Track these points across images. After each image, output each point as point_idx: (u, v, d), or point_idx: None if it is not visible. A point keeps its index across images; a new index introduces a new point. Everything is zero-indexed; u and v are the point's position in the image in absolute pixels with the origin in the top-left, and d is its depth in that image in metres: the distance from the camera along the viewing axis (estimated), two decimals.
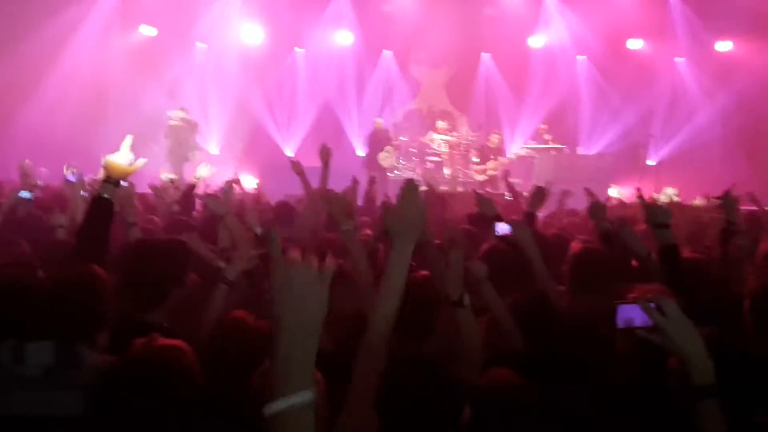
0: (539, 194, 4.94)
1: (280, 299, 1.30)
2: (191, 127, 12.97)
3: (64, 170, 5.10)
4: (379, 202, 8.30)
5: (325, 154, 5.37)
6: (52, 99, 12.35)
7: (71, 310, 2.06)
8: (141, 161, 3.07)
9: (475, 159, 13.92)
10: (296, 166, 6.33)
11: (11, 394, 1.86)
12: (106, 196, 2.88)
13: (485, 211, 4.43)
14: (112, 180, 2.92)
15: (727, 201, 4.09)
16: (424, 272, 2.92)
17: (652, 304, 1.79)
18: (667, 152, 14.69)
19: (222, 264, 2.98)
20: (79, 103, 12.64)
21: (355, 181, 6.62)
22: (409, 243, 2.05)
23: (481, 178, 13.37)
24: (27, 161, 5.70)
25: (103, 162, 2.98)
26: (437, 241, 3.07)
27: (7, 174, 9.04)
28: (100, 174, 6.20)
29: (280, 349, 1.29)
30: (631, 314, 1.87)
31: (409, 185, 2.13)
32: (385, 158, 13.43)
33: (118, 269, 2.60)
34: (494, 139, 13.66)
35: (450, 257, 2.49)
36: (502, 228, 3.69)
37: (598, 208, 4.22)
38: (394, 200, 5.71)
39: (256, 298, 3.06)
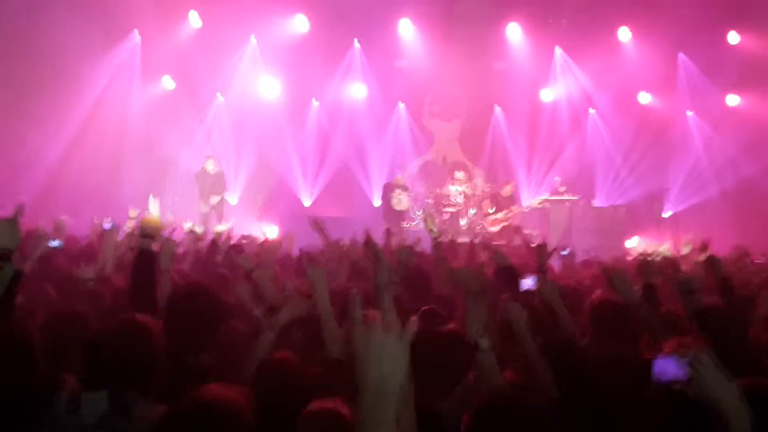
0: (541, 252, 4.89)
1: (362, 361, 1.34)
2: (219, 176, 13.31)
3: (94, 220, 5.21)
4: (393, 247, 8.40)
5: (315, 225, 6.43)
6: (74, 149, 12.66)
7: (128, 359, 2.08)
8: (170, 216, 3.37)
9: (489, 210, 13.92)
10: (314, 223, 6.52)
11: None
12: (144, 248, 3.15)
13: (498, 262, 4.54)
14: (149, 235, 3.22)
15: (711, 261, 4.15)
16: (452, 327, 2.97)
17: (687, 358, 1.81)
18: (683, 204, 14.76)
19: (257, 313, 3.06)
20: (101, 151, 12.94)
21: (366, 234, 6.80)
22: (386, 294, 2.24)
23: (494, 229, 13.38)
24: (64, 217, 5.83)
25: (132, 215, 3.21)
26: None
27: (34, 221, 9.19)
28: (127, 225, 6.34)
29: (363, 408, 1.33)
30: (667, 367, 1.89)
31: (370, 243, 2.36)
32: (398, 201, 13.51)
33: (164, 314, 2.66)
34: (507, 189, 13.75)
35: (472, 300, 2.54)
36: (527, 283, 3.76)
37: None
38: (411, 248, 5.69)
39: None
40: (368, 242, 2.67)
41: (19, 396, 2.11)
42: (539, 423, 1.93)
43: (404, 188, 13.75)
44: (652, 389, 2.06)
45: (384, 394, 1.32)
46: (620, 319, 3.50)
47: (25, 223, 7.76)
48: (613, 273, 3.56)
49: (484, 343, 2.45)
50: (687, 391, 1.80)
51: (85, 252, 5.35)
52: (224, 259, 5.70)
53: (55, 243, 4.80)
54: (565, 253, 7.74)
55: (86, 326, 2.87)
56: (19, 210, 2.13)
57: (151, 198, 3.06)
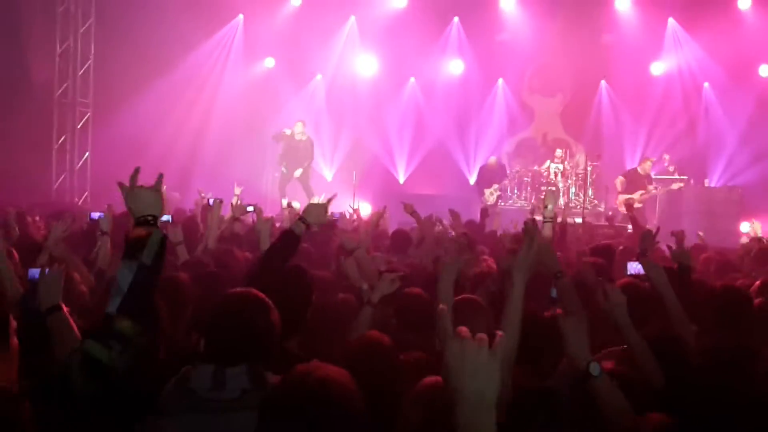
0: (646, 237, 4.55)
1: (456, 375, 1.38)
2: (306, 144, 13.02)
3: (201, 193, 5.41)
4: (488, 229, 8.26)
5: (408, 208, 6.63)
6: (183, 127, 13.31)
7: (259, 335, 2.13)
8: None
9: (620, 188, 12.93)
10: (408, 208, 6.58)
11: (211, 418, 1.96)
12: (296, 232, 3.17)
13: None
14: (306, 221, 3.21)
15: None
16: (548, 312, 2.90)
17: None
18: None
19: (365, 286, 3.12)
20: (207, 131, 13.53)
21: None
22: (524, 278, 2.32)
23: (622, 209, 12.13)
24: (175, 193, 6.03)
25: (237, 191, 3.26)
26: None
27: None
28: (233, 200, 6.57)
29: (461, 421, 1.37)
30: None
31: (529, 226, 2.46)
32: (489, 195, 13.34)
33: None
34: (646, 165, 12.85)
35: (566, 324, 2.33)
36: (634, 267, 3.59)
37: None
38: (510, 229, 5.64)
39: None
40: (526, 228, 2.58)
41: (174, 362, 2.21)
42: None
43: (498, 181, 13.57)
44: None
45: (482, 407, 1.36)
46: (742, 310, 3.27)
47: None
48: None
49: (595, 369, 2.24)
50: None
51: (187, 224, 5.58)
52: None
53: (165, 217, 5.01)
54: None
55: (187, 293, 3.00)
56: (160, 179, 2.21)
57: (324, 197, 3.15)
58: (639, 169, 12.90)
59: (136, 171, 2.15)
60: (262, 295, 2.21)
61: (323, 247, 5.71)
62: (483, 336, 1.38)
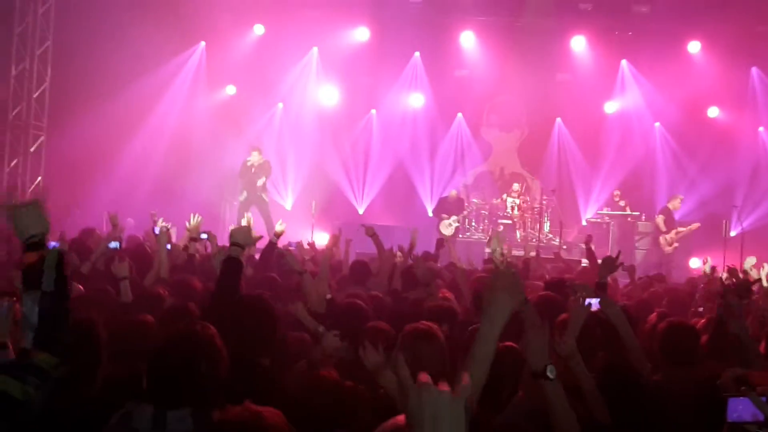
0: (608, 263, 4.75)
1: (417, 424, 1.31)
2: (265, 167, 13.00)
3: (153, 218, 5.32)
4: (444, 261, 8.30)
5: (369, 230, 6.77)
6: (141, 151, 13.12)
7: (202, 377, 2.05)
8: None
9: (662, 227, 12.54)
10: (369, 230, 6.58)
11: None
12: (234, 255, 3.24)
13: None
14: (238, 243, 3.30)
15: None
16: (508, 343, 2.90)
17: (764, 398, 1.69)
18: (751, 223, 14.10)
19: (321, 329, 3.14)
20: (165, 156, 13.36)
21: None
22: (503, 312, 2.10)
23: (669, 250, 12.16)
24: (129, 219, 5.97)
25: (189, 226, 3.23)
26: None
27: (98, 222, 9.53)
28: (186, 236, 6.48)
29: None
30: (741, 407, 1.76)
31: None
32: (446, 226, 13.44)
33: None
34: (676, 202, 12.59)
35: (528, 327, 2.43)
36: (589, 303, 3.63)
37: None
38: (463, 263, 5.67)
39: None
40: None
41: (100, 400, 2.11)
42: None
43: (456, 214, 13.62)
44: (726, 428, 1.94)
45: None
46: (690, 345, 3.35)
47: (88, 224, 8.02)
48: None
49: (552, 371, 2.31)
50: None
51: (138, 251, 5.47)
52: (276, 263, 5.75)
53: (113, 244, 4.91)
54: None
55: (149, 333, 2.94)
56: (42, 197, 2.08)
57: (246, 217, 3.18)
58: (669, 206, 12.62)
59: (13, 188, 2.03)
60: (209, 334, 2.14)
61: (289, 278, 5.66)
62: (444, 386, 1.33)
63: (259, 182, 12.81)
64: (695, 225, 12.40)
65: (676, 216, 12.84)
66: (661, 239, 12.29)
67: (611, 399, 2.63)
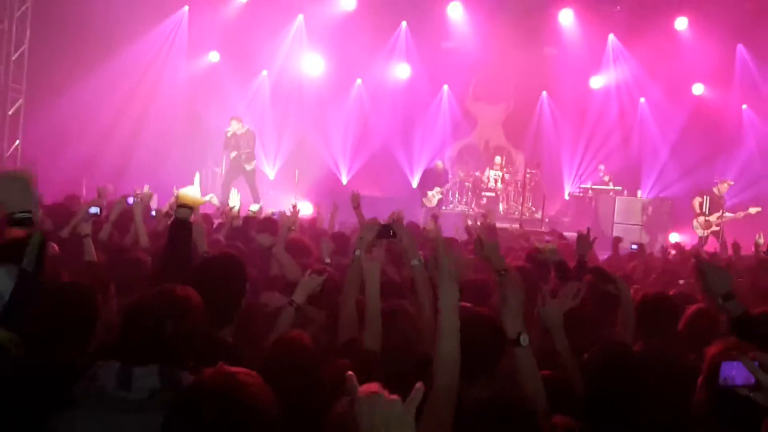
0: (583, 240, 4.79)
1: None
2: (249, 135, 12.59)
3: (135, 190, 5.27)
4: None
5: (355, 200, 6.41)
6: (122, 116, 12.93)
7: (173, 334, 2.01)
8: (211, 197, 3.33)
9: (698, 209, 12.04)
10: (355, 200, 6.48)
11: (121, 417, 1.84)
12: (180, 216, 3.12)
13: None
14: (185, 204, 3.18)
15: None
16: (483, 309, 2.90)
17: (756, 362, 1.71)
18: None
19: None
20: (147, 121, 13.18)
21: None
22: (452, 281, 2.17)
23: (701, 232, 11.67)
24: (109, 185, 5.88)
25: (176, 193, 3.20)
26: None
27: (81, 190, 9.41)
28: (170, 201, 6.41)
29: None
30: (733, 372, 1.77)
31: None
32: (432, 197, 13.44)
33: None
34: (724, 186, 11.87)
35: (506, 294, 2.44)
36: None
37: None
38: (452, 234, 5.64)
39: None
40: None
41: (73, 364, 2.09)
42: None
43: (440, 185, 13.61)
44: (716, 393, 1.96)
45: None
46: (670, 316, 3.40)
47: (70, 191, 7.90)
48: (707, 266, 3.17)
49: (525, 339, 2.34)
50: (753, 396, 1.74)
51: (117, 222, 5.39)
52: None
53: (93, 209, 4.84)
54: (634, 247, 7.53)
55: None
56: (29, 170, 2.04)
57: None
58: (715, 190, 11.98)
59: None
60: (183, 294, 2.10)
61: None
62: (394, 397, 1.35)
63: (248, 167, 12.37)
64: (755, 209, 11.64)
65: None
66: (694, 222, 11.95)
67: (605, 374, 2.62)
